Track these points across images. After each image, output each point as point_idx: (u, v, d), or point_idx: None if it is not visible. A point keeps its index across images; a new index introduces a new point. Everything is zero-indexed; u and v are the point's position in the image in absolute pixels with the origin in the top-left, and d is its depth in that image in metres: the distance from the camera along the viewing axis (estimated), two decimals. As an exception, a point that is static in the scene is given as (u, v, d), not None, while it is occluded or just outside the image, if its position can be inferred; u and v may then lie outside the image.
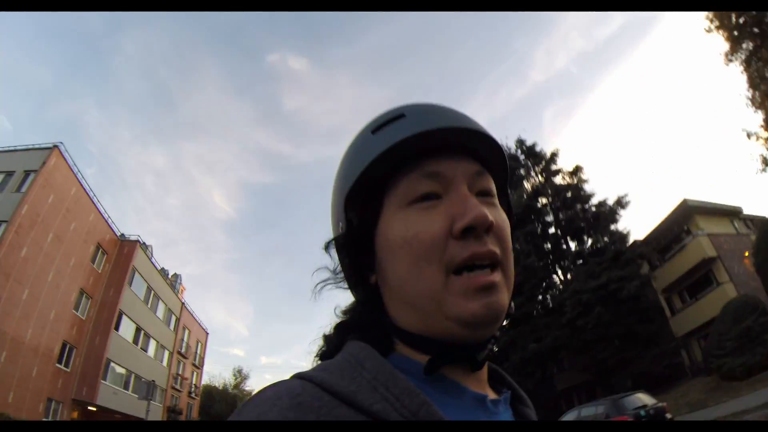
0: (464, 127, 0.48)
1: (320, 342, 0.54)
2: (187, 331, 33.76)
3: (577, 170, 26.39)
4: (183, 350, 32.33)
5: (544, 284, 24.00)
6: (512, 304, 0.50)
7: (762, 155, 13.73)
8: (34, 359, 17.76)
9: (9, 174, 18.92)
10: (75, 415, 20.29)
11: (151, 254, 29.06)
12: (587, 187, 25.51)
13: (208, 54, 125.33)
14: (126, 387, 23.86)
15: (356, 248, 0.50)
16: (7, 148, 20.19)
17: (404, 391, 0.39)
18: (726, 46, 14.07)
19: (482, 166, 0.50)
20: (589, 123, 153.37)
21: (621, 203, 23.41)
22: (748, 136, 13.88)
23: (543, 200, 26.24)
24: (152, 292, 27.58)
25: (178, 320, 31.95)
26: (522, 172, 27.58)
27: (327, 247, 0.54)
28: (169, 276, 35.71)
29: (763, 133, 13.58)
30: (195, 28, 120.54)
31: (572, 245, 25.23)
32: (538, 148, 27.68)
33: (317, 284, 0.55)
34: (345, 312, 0.54)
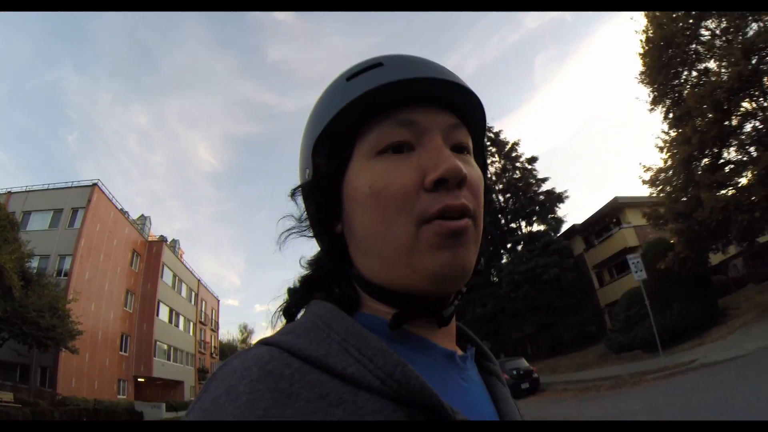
0: (443, 78, 0.47)
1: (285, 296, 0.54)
2: (204, 303, 40.71)
3: (532, 160, 31.73)
4: (203, 319, 39.29)
5: (491, 263, 30.20)
6: (482, 260, 0.52)
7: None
8: (105, 352, 24.19)
9: (58, 211, 24.08)
10: (131, 388, 27.14)
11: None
12: (540, 175, 31.15)
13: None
14: (169, 359, 30.96)
15: (323, 196, 0.50)
16: (47, 187, 25.04)
17: (377, 351, 0.39)
18: (650, 97, 18.30)
19: (460, 120, 0.50)
20: (581, 73, 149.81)
21: (560, 198, 29.16)
22: (643, 176, 18.57)
23: (500, 186, 31.71)
24: (177, 278, 33.81)
25: (196, 295, 38.65)
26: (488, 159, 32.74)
27: (293, 195, 0.54)
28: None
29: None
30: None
31: (523, 225, 31.22)
32: (502, 136, 32.66)
33: (282, 233, 0.55)
34: (310, 263, 0.56)
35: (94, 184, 24.54)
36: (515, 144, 32.32)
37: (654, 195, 17.93)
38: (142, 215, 35.97)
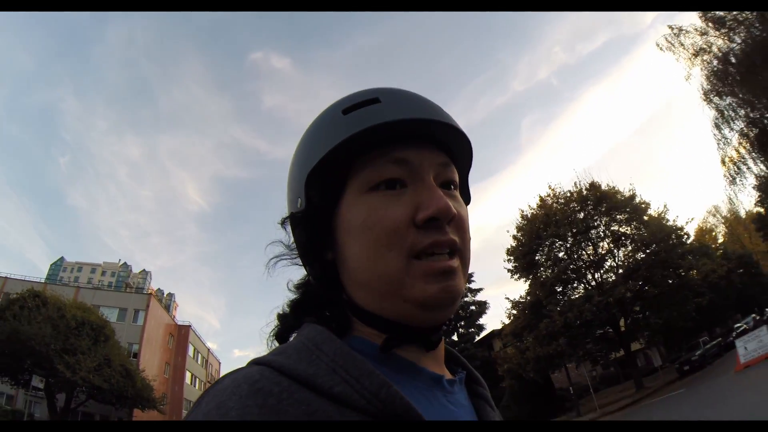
0: (438, 120, 0.53)
1: (276, 322, 0.58)
2: (211, 366, 54.39)
3: (469, 275, 45.66)
4: (210, 380, 52.81)
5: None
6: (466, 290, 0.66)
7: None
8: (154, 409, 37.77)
9: (123, 309, 37.85)
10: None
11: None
12: (475, 285, 44.76)
13: (192, 48, 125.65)
14: (189, 413, 44.34)
15: (315, 226, 0.54)
16: (112, 288, 39.15)
17: (364, 372, 0.42)
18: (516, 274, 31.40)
19: (448, 157, 0.56)
20: (566, 133, 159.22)
21: (485, 309, 42.90)
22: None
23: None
24: (196, 350, 47.79)
25: (206, 361, 52.52)
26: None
27: (283, 223, 0.59)
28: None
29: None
30: (180, 21, 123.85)
31: (458, 326, 44.74)
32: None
33: (271, 259, 0.59)
34: (297, 287, 0.60)
35: (150, 294, 38.83)
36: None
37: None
38: (144, 270, 48.93)
